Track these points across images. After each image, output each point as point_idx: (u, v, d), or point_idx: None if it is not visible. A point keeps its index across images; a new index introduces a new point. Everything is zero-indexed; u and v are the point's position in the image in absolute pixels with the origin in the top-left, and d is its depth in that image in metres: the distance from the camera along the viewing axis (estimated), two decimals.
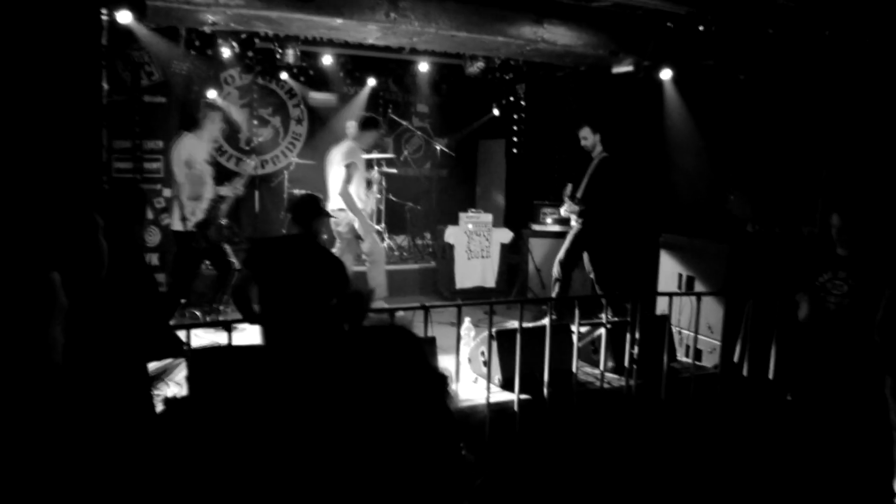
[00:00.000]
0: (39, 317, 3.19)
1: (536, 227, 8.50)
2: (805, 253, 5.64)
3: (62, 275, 3.69)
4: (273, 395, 4.42)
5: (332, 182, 6.82)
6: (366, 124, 6.97)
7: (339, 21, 6.39)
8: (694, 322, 5.86)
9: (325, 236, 6.17)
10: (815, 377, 4.64)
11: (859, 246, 4.35)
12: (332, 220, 6.63)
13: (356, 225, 6.76)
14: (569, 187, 6.93)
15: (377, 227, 8.47)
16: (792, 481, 4.42)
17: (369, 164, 9.38)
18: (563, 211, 7.04)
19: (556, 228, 8.19)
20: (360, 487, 1.23)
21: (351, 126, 7.36)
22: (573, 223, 6.96)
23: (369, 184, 8.21)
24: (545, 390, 5.16)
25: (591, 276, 6.97)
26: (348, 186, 6.66)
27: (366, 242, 6.81)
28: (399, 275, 8.57)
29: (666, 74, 7.61)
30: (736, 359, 5.95)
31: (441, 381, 1.58)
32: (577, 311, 5.41)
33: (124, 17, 5.46)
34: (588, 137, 6.87)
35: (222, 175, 9.35)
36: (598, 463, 4.75)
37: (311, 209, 4.38)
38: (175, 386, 4.91)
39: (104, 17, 4.85)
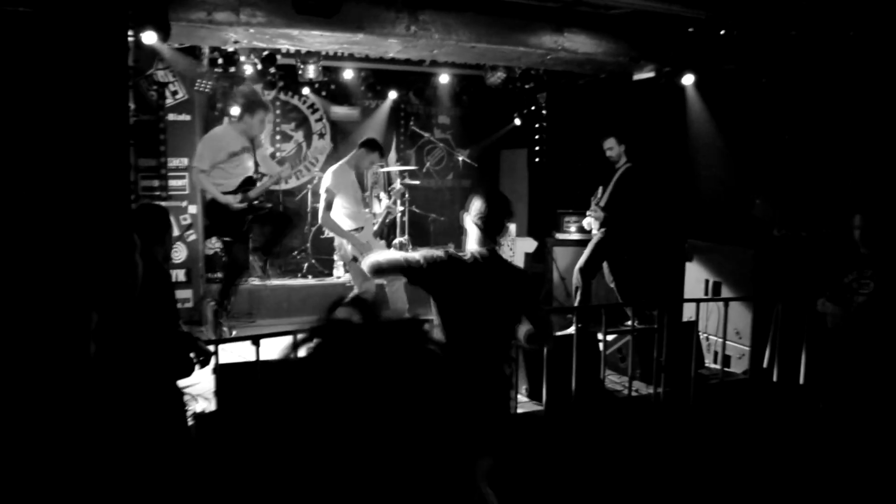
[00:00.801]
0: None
1: (560, 236, 8.48)
2: (829, 254, 5.58)
3: (98, 292, 3.75)
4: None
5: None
6: (363, 145, 6.80)
7: (360, 36, 6.44)
8: (722, 328, 5.82)
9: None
10: (846, 382, 4.59)
11: (882, 244, 4.33)
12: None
13: (348, 249, 6.59)
14: (599, 190, 6.94)
15: (398, 240, 8.47)
16: (821, 491, 4.36)
17: (390, 176, 9.44)
18: (588, 216, 7.00)
19: (580, 237, 8.15)
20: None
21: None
22: (594, 232, 6.94)
23: (389, 195, 8.21)
24: (573, 399, 5.15)
25: (612, 284, 6.94)
26: (328, 213, 6.50)
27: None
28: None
29: (688, 80, 7.59)
30: (765, 364, 5.90)
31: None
32: (603, 319, 5.39)
33: (149, 37, 5.53)
34: (613, 148, 6.87)
35: None
36: (626, 471, 4.72)
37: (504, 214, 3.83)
38: (203, 401, 4.95)
39: (130, 39, 4.92)
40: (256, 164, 6.69)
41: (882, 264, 4.30)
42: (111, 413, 3.56)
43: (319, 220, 6.78)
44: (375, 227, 7.26)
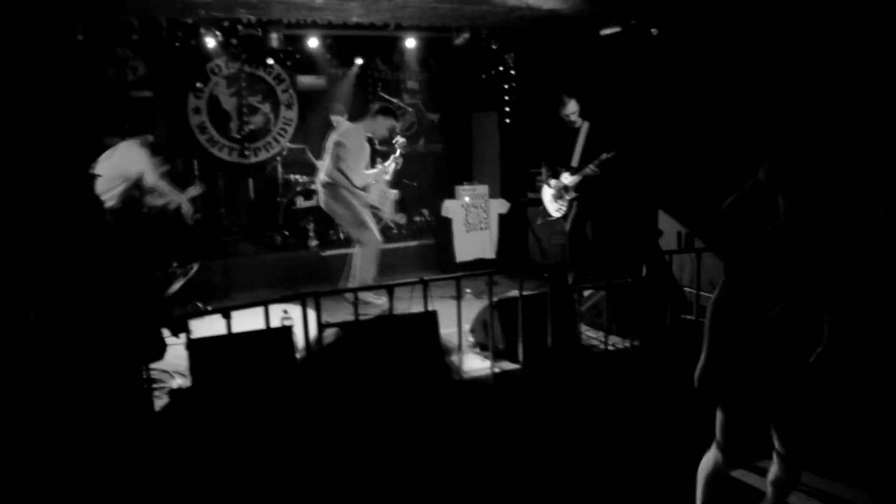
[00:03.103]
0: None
1: (533, 196, 8.46)
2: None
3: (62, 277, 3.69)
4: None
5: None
6: (380, 111, 6.89)
7: (320, 1, 6.34)
8: (696, 279, 5.84)
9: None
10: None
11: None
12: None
13: (357, 208, 6.76)
14: (544, 171, 7.03)
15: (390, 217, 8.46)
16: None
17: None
18: (564, 181, 6.98)
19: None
20: None
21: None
22: (567, 196, 6.95)
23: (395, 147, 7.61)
24: (549, 356, 5.16)
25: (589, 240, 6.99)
26: (336, 166, 6.63)
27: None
28: (398, 252, 8.56)
29: (655, 32, 7.52)
30: None
31: None
32: (574, 275, 5.40)
33: (101, 8, 5.40)
34: (575, 111, 6.88)
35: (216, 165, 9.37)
36: (603, 422, 4.76)
37: None
38: (180, 378, 4.92)
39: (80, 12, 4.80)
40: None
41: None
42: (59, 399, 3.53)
43: (325, 174, 6.72)
44: (388, 178, 7.36)
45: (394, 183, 8.23)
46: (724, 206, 3.26)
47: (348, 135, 6.73)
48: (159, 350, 4.77)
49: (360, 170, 6.80)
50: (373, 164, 7.42)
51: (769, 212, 2.96)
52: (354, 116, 7.78)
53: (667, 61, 7.68)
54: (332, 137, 6.76)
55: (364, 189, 6.88)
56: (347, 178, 6.63)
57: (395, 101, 10.32)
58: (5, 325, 3.35)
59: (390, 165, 7.21)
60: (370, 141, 7.04)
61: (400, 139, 7.12)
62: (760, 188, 3.07)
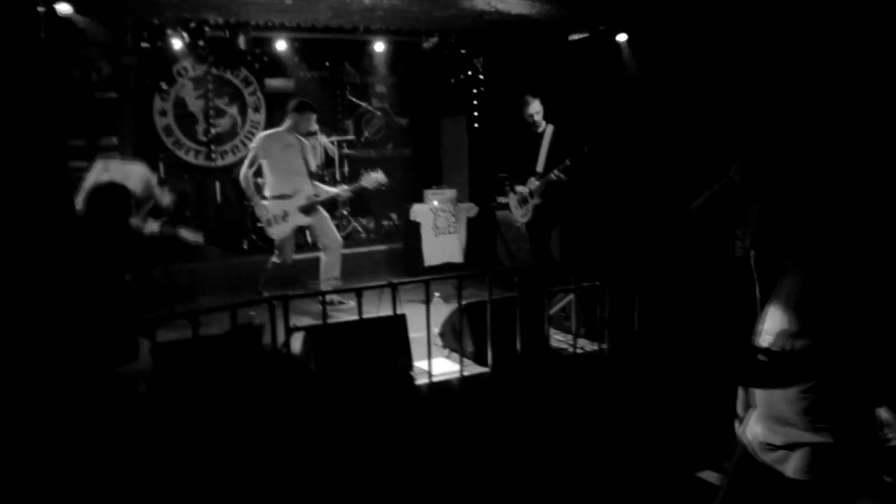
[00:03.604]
0: None
1: (502, 200, 8.48)
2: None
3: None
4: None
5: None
6: (294, 108, 6.87)
7: (288, 2, 6.31)
8: None
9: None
10: None
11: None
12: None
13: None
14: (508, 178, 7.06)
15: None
16: None
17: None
18: (529, 187, 6.98)
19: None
20: None
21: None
22: (532, 201, 6.95)
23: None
24: (518, 359, 5.17)
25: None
26: (248, 170, 6.77)
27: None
28: (366, 256, 8.53)
29: (622, 38, 7.58)
30: None
31: None
32: (544, 280, 5.42)
33: (63, 7, 5.32)
34: (539, 112, 6.88)
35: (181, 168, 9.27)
36: (571, 424, 4.77)
37: None
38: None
39: (41, 10, 4.72)
40: None
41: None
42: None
43: (240, 176, 6.87)
44: (319, 200, 7.02)
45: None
46: (693, 205, 3.29)
47: (260, 140, 6.85)
48: (132, 350, 4.70)
49: (283, 178, 6.80)
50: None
51: (739, 213, 2.97)
52: (322, 121, 7.78)
53: (634, 67, 7.75)
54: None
55: (283, 198, 6.80)
56: (250, 184, 6.82)
57: (363, 104, 10.31)
58: None
59: (331, 194, 7.11)
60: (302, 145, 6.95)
61: (374, 176, 7.02)
62: (731, 188, 3.09)
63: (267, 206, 6.75)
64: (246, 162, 6.78)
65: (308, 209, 6.79)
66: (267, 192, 6.84)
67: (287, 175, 6.73)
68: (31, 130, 3.92)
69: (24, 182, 3.99)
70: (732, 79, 6.67)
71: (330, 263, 6.88)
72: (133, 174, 6.28)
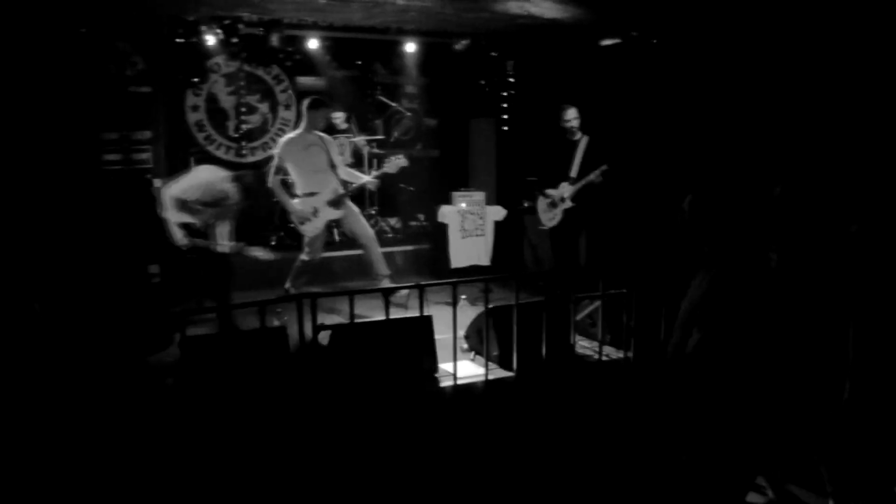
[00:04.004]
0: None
1: (530, 204, 8.46)
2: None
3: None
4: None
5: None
6: (309, 105, 6.86)
7: (322, 2, 6.34)
8: None
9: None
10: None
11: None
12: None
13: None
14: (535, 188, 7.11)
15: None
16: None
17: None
18: (562, 191, 6.98)
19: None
20: None
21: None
22: (562, 205, 6.96)
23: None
24: (543, 365, 5.16)
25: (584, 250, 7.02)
26: (276, 177, 6.82)
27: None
28: (392, 257, 8.54)
29: (657, 44, 7.54)
30: None
31: None
32: (572, 285, 5.40)
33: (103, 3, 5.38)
34: (576, 119, 6.90)
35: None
36: (596, 431, 4.75)
37: None
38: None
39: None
40: None
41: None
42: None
43: (268, 182, 6.88)
44: (346, 193, 7.01)
45: (384, 187, 8.10)
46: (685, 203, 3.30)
47: (282, 145, 6.86)
48: (164, 341, 4.76)
49: (307, 178, 6.85)
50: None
51: (774, 224, 2.97)
52: (352, 121, 7.80)
53: (668, 73, 7.70)
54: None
55: (311, 195, 6.84)
56: (280, 190, 6.92)
57: (393, 104, 10.33)
58: (11, 317, 3.33)
59: (359, 184, 7.12)
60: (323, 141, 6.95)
61: (396, 161, 7.02)
62: (766, 200, 3.10)
63: (297, 206, 6.81)
64: (272, 169, 6.84)
65: (336, 203, 6.83)
66: (297, 192, 6.91)
67: (313, 173, 6.79)
68: (71, 122, 3.97)
69: (60, 171, 4.05)
70: (770, 87, 6.62)
71: (376, 258, 7.01)
72: (197, 179, 6.11)
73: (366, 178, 7.14)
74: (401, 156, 7.08)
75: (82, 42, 4.80)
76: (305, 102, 6.91)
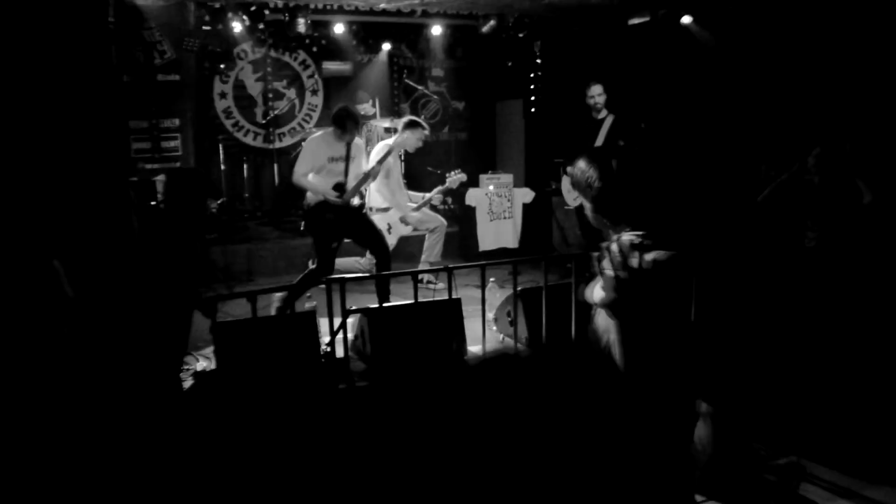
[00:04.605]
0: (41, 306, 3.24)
1: (557, 185, 8.41)
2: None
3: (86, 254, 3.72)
4: None
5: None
6: (409, 125, 6.78)
7: None
8: None
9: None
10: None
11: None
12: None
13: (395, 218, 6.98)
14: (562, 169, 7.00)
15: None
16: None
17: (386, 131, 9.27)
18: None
19: None
20: None
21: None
22: (573, 202, 6.93)
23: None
24: (572, 346, 5.14)
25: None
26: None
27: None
28: (421, 240, 8.54)
29: (687, 20, 7.43)
30: None
31: None
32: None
33: None
34: (602, 95, 6.78)
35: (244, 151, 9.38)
36: (626, 414, 4.72)
37: None
38: (204, 360, 4.95)
39: None
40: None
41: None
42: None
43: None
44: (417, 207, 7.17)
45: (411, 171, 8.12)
46: (760, 197, 3.28)
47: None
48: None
49: (384, 192, 6.93)
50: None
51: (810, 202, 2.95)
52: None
53: (697, 51, 7.60)
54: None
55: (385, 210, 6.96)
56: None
57: (420, 88, 10.31)
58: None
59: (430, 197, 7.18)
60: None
61: (457, 177, 7.05)
62: (801, 177, 3.08)
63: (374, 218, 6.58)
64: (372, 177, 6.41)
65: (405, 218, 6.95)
66: (370, 205, 6.83)
67: (390, 193, 6.86)
68: (101, 112, 4.00)
69: (91, 163, 4.09)
70: (803, 65, 6.52)
71: (438, 247, 7.09)
72: None
73: (430, 195, 7.17)
74: (459, 171, 7.13)
75: (113, 32, 4.83)
76: (403, 121, 6.84)
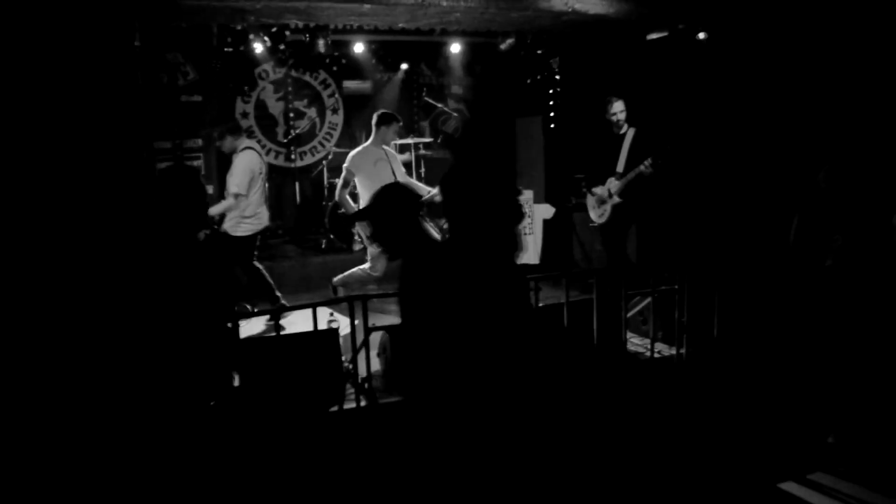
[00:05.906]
0: None
1: (578, 201, 8.41)
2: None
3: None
4: None
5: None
6: (380, 121, 6.71)
7: (367, 7, 6.38)
8: None
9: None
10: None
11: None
12: None
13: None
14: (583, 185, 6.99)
15: None
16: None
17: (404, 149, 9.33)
18: (609, 187, 6.89)
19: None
20: None
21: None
22: (611, 201, 6.84)
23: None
24: (594, 362, 5.14)
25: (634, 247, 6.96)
26: (343, 190, 6.59)
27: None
28: None
29: (703, 37, 7.44)
30: None
31: None
32: (621, 282, 5.36)
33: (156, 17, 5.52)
34: (623, 112, 6.75)
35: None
36: (649, 428, 4.71)
37: None
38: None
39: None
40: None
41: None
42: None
43: (336, 196, 6.78)
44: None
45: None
46: (790, 240, 3.29)
47: (352, 158, 6.59)
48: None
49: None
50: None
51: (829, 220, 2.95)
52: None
53: (715, 66, 7.60)
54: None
55: None
56: (348, 203, 6.68)
57: (439, 105, 10.38)
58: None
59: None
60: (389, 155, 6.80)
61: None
62: (817, 198, 3.07)
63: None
64: (339, 182, 6.62)
65: None
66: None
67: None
68: (128, 132, 4.08)
69: (117, 180, 4.16)
70: (817, 78, 6.50)
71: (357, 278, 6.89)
72: None
73: (435, 191, 7.15)
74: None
75: (138, 54, 4.93)
76: (375, 117, 6.73)
